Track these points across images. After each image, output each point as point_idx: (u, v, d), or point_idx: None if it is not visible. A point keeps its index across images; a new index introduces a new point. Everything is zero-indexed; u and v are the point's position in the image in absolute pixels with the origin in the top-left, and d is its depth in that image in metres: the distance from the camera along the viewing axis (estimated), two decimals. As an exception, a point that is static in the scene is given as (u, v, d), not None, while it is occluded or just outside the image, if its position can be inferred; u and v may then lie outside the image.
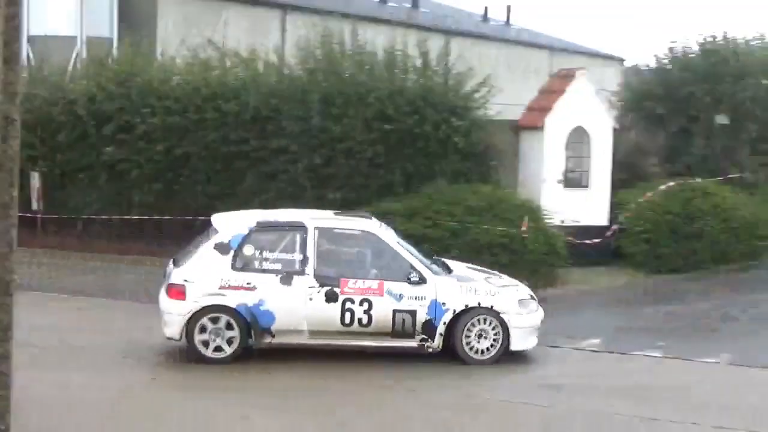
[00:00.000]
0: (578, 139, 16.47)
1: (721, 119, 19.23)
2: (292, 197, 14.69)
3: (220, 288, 9.40)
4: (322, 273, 9.54)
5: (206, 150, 16.04)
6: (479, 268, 10.78)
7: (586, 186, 16.53)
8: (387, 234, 10.12)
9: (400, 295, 9.58)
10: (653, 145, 19.04)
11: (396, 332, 9.59)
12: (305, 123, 15.47)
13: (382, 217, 11.65)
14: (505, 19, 41.33)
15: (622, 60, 28.36)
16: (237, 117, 15.84)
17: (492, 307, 9.70)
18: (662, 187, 16.79)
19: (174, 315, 9.43)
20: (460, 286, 9.78)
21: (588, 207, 16.39)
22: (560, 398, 8.65)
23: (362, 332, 9.56)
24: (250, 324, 9.42)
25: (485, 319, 9.69)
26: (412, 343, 9.69)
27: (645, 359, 10.44)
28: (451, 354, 9.64)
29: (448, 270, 10.20)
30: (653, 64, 20.76)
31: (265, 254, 9.59)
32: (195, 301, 9.38)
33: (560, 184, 16.29)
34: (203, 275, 9.44)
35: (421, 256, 10.08)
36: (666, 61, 20.36)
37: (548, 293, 13.89)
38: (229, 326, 9.42)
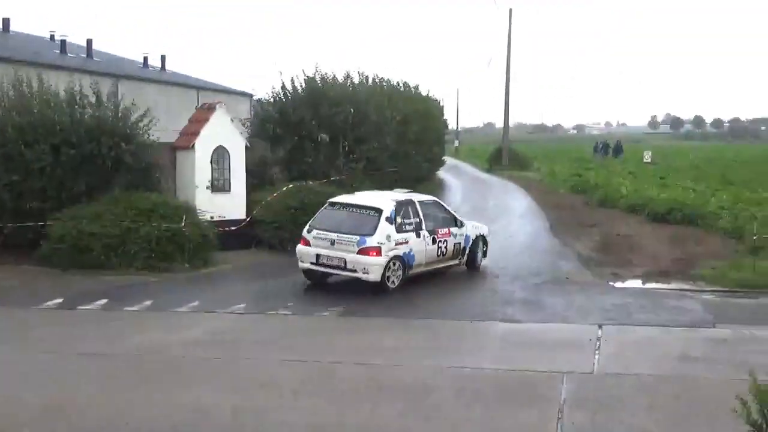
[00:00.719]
0: (221, 155, 17.15)
1: (323, 137, 21.00)
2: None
3: (395, 245, 12.54)
4: (429, 227, 13.27)
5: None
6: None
7: (229, 190, 17.21)
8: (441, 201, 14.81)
9: (455, 234, 13.85)
10: (276, 158, 20.14)
11: (454, 256, 13.97)
12: (6, 149, 14.99)
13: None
14: (161, 65, 41.96)
15: (251, 95, 29.87)
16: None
17: (483, 235, 14.78)
18: (284, 188, 17.96)
19: (376, 266, 12.30)
20: (472, 225, 14.63)
21: (231, 206, 17.14)
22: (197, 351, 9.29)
23: (443, 259, 13.66)
24: (405, 264, 12.66)
25: (482, 242, 14.66)
26: (456, 262, 14.16)
27: (278, 317, 11.16)
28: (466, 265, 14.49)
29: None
30: (273, 97, 21.78)
31: (405, 221, 12.87)
32: (386, 255, 12.42)
33: (209, 190, 16.90)
34: (386, 239, 12.43)
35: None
36: (281, 94, 21.60)
37: (205, 272, 14.60)
38: (398, 267, 12.58)
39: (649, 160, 50.70)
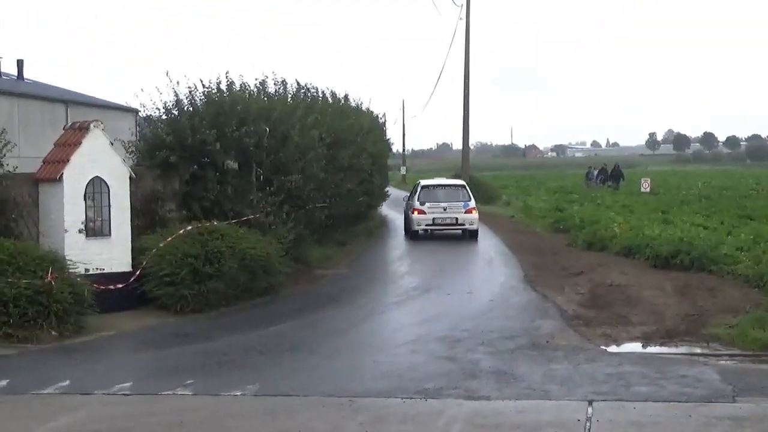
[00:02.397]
0: (97, 189, 17.19)
1: (231, 164, 21.12)
2: None
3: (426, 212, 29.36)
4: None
5: None
6: None
7: (108, 234, 17.28)
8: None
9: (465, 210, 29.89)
10: (169, 191, 20.23)
11: (459, 226, 30.13)
12: None
13: None
14: (17, 73, 41.07)
15: (136, 111, 29.62)
16: None
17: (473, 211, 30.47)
18: (181, 231, 18.08)
19: (477, 220, 30.30)
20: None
21: (111, 254, 17.24)
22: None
23: (455, 226, 30.16)
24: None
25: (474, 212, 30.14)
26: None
27: (174, 398, 11.15)
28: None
29: None
30: (164, 114, 21.88)
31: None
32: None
33: (82, 234, 16.92)
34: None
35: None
36: (175, 110, 21.67)
37: (79, 341, 14.55)
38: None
39: (648, 190, 52.08)
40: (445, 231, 30.40)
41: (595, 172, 63.16)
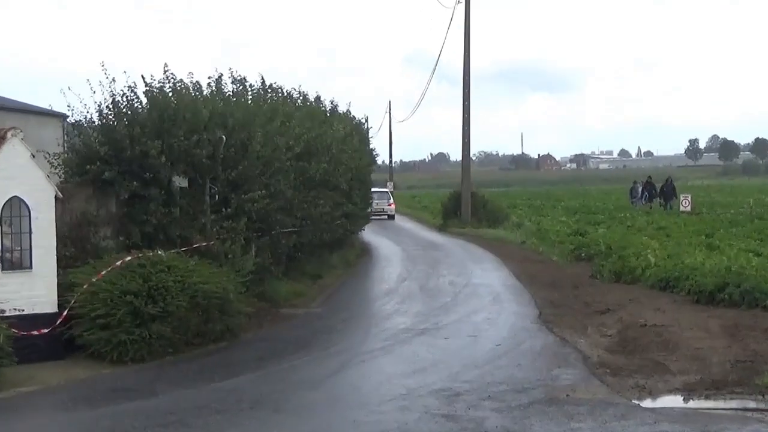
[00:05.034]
0: (15, 212, 17.18)
1: (180, 181, 21.19)
2: None
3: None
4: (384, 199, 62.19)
5: None
6: None
7: (29, 267, 17.25)
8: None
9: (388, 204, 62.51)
10: (104, 214, 20.24)
11: (387, 214, 61.82)
12: None
13: None
14: None
15: (64, 116, 29.45)
16: None
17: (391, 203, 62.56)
18: (118, 263, 18.09)
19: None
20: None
21: (33, 292, 17.17)
22: None
23: (385, 213, 61.18)
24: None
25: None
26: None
27: None
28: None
29: None
30: (98, 119, 21.78)
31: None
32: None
33: (-3, 267, 16.90)
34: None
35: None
36: (111, 115, 21.52)
37: (-7, 400, 14.51)
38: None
39: (689, 209, 52.29)
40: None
41: (640, 188, 63.13)
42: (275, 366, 17.38)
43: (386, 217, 60.90)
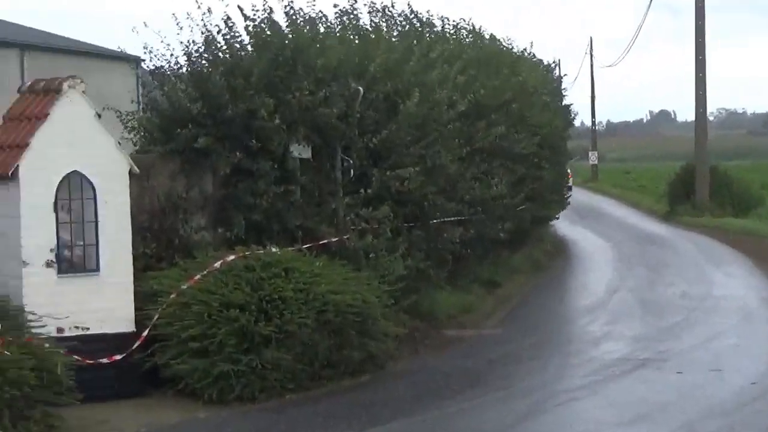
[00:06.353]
0: (76, 193, 17.42)
1: (300, 151, 21.32)
2: None
3: None
4: None
5: None
6: None
7: (95, 270, 17.50)
8: None
9: None
10: (197, 197, 20.46)
11: None
12: None
13: None
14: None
15: (138, 60, 29.74)
16: None
17: None
18: (217, 264, 18.22)
19: None
20: None
21: (101, 304, 17.36)
22: None
23: None
24: None
25: None
26: None
27: None
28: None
29: None
30: (186, 66, 21.99)
31: None
32: None
33: (52, 268, 17.13)
34: None
35: None
36: (204, 60, 21.73)
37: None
38: None
39: None
40: None
41: None
42: (436, 409, 17.34)
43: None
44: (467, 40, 32.18)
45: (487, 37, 34.24)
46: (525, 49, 38.57)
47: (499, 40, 35.73)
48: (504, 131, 28.73)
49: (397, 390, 18.71)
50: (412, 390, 18.69)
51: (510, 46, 36.55)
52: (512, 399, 18.05)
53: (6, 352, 14.96)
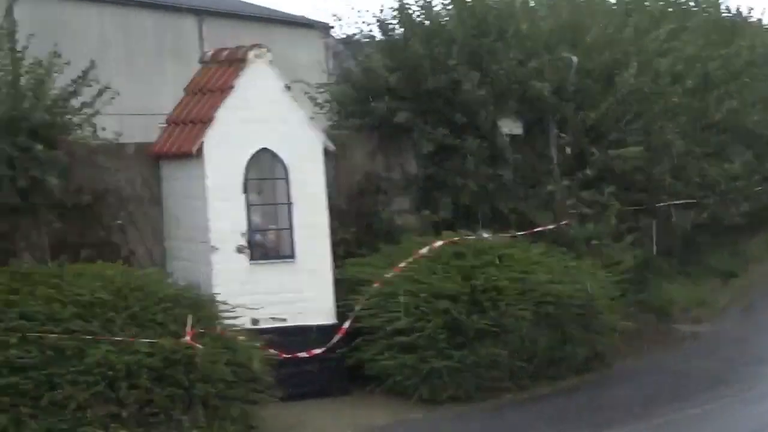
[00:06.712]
0: (267, 172, 17.59)
1: (511, 127, 21.31)
2: None
3: None
4: None
5: None
6: None
7: (291, 256, 17.60)
8: None
9: None
10: (399, 178, 20.68)
11: None
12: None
13: None
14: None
15: (328, 27, 30.02)
16: None
17: None
18: (424, 250, 18.23)
19: None
20: None
21: (298, 294, 17.46)
22: None
23: None
24: None
25: None
26: None
27: None
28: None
29: None
30: (380, 34, 22.25)
31: None
32: None
33: (244, 254, 17.26)
34: None
35: None
36: (400, 27, 21.85)
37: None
38: None
39: None
40: None
41: None
42: (675, 412, 17.07)
43: None
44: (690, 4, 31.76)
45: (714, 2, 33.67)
46: (755, 15, 37.78)
47: (727, 6, 35.12)
48: (737, 106, 28.27)
49: (626, 390, 18.59)
50: (643, 390, 18.49)
51: (741, 12, 35.89)
52: (754, 404, 17.71)
53: (198, 345, 14.97)
